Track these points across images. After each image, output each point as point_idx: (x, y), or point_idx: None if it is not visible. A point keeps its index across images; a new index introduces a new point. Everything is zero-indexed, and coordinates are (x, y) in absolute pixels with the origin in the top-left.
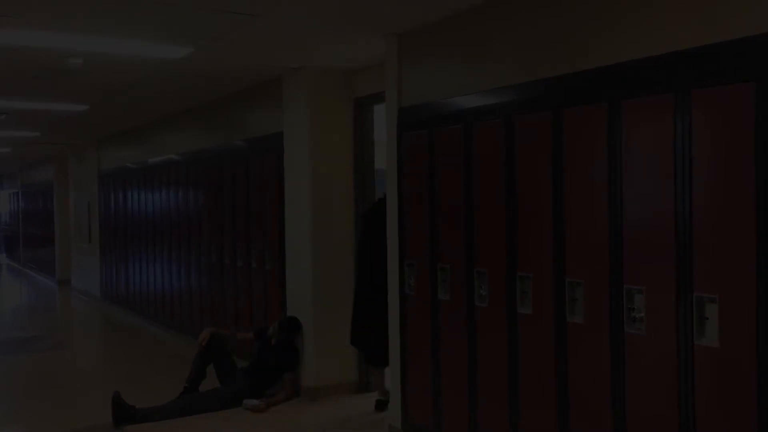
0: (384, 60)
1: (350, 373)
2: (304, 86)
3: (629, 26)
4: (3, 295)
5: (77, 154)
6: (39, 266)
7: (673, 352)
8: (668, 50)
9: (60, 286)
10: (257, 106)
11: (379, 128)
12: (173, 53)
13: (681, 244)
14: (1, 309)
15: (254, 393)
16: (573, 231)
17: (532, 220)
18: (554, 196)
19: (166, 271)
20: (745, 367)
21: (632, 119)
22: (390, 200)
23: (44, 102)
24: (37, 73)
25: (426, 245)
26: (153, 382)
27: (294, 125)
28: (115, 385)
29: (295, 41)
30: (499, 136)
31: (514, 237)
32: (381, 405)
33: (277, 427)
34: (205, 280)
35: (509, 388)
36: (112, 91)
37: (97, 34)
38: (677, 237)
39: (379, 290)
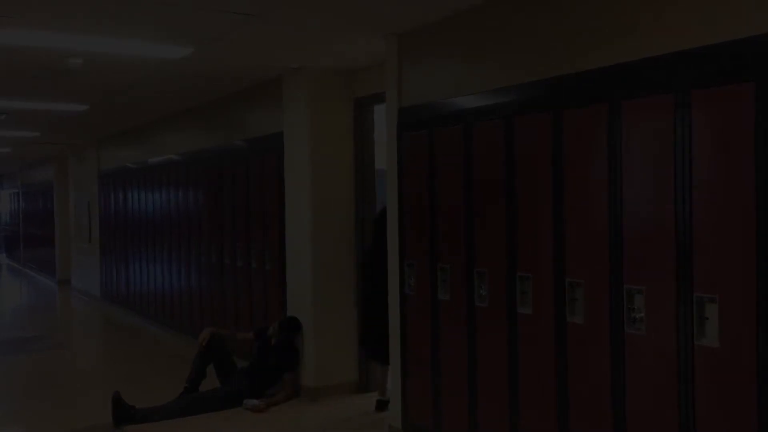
0: (384, 60)
1: (350, 373)
2: (304, 86)
3: (629, 27)
4: (3, 295)
5: (77, 154)
6: (39, 266)
7: (673, 353)
8: (668, 50)
9: (60, 286)
10: (257, 106)
11: (380, 128)
12: (173, 53)
13: (681, 244)
14: (2, 309)
15: (254, 393)
16: (573, 231)
17: (532, 220)
18: (554, 196)
19: (166, 271)
20: (746, 367)
21: (632, 119)
22: (390, 200)
23: (44, 102)
24: (37, 73)
25: (426, 245)
26: (153, 382)
27: (294, 125)
28: (115, 385)
29: (295, 41)
30: (499, 137)
31: (514, 237)
32: (381, 405)
33: (277, 427)
34: (205, 280)
35: (509, 389)
36: (112, 91)
37: (97, 34)
38: (677, 237)
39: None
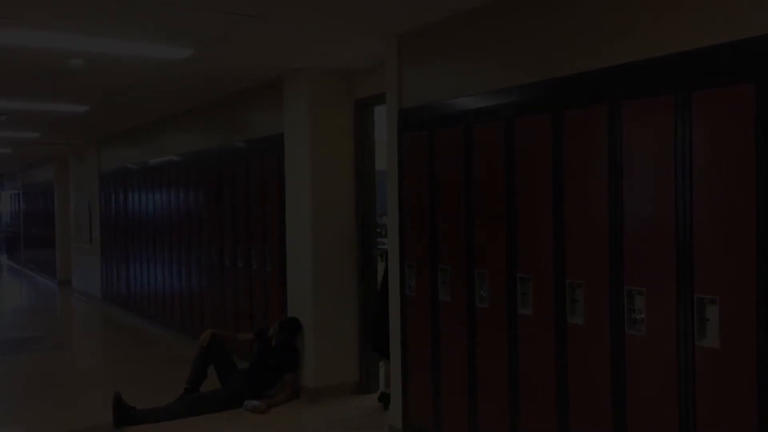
0: (384, 61)
1: (350, 374)
2: (305, 87)
3: (629, 27)
4: (4, 296)
5: (78, 154)
6: (39, 267)
7: (673, 354)
8: (669, 51)
9: (60, 287)
10: (258, 106)
11: (380, 129)
12: (174, 54)
13: (681, 245)
14: (2, 309)
15: (255, 394)
16: (573, 232)
17: (533, 221)
18: (554, 197)
19: (166, 272)
20: (746, 368)
21: (633, 120)
22: (390, 201)
23: (45, 102)
24: (37, 74)
25: (426, 246)
26: (153, 382)
27: (294, 126)
28: (116, 385)
29: (296, 42)
30: (499, 138)
31: (514, 238)
32: (384, 398)
33: (278, 428)
34: (205, 281)
35: (509, 389)
36: (112, 91)
37: (98, 35)
38: (678, 238)
39: None
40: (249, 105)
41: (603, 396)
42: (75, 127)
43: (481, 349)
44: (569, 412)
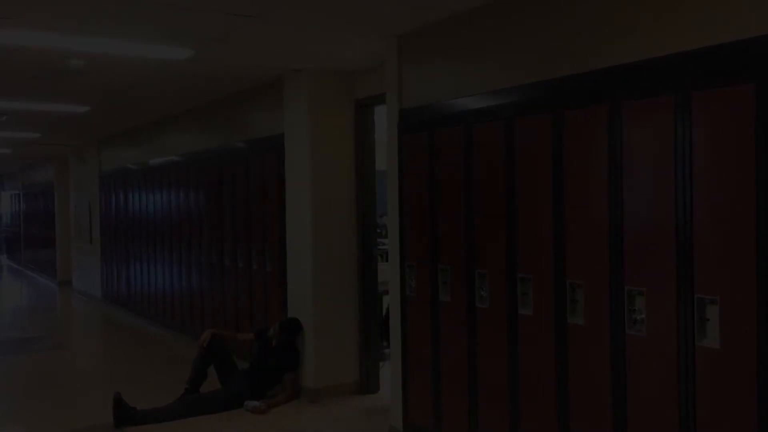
0: (384, 61)
1: (351, 374)
2: (305, 87)
3: (629, 27)
4: (4, 296)
5: (78, 154)
6: (40, 267)
7: (673, 354)
8: (669, 51)
9: (61, 287)
10: (258, 107)
11: (380, 129)
12: (174, 54)
13: (682, 245)
14: (2, 309)
15: (255, 394)
16: (573, 232)
17: (533, 222)
18: (555, 197)
19: (166, 272)
20: (746, 369)
21: (633, 120)
22: (391, 201)
23: (45, 103)
24: (37, 74)
25: (427, 246)
26: (153, 382)
27: (295, 126)
28: (116, 385)
29: (296, 42)
30: (499, 138)
31: (514, 238)
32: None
33: (278, 428)
34: (205, 281)
35: (510, 390)
36: (112, 91)
37: (98, 35)
38: (678, 238)
39: None
40: (249, 105)
41: (603, 396)
42: (75, 128)
43: (482, 349)
44: (569, 412)
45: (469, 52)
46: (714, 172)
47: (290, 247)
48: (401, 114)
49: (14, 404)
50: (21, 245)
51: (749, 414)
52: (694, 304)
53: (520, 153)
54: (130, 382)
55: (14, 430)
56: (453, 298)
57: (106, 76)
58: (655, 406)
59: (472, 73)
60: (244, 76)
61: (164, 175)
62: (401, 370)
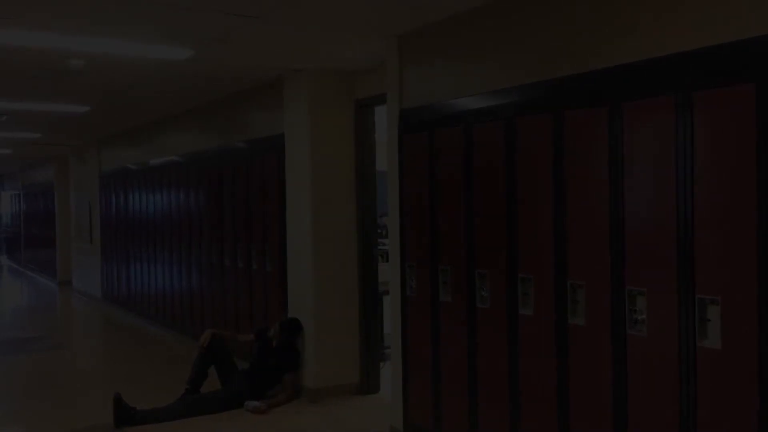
0: (385, 61)
1: (351, 375)
2: (305, 87)
3: (630, 27)
4: (4, 296)
5: (78, 155)
6: (40, 267)
7: (674, 354)
8: (669, 52)
9: (61, 287)
10: (258, 107)
11: (380, 129)
12: (174, 54)
13: (683, 245)
14: (2, 309)
15: (255, 394)
16: (574, 232)
17: (533, 222)
18: (555, 197)
19: (166, 272)
20: (747, 369)
21: (633, 121)
22: (391, 201)
23: (45, 103)
24: (37, 74)
25: (427, 246)
26: (153, 382)
27: (295, 126)
28: (116, 385)
29: (296, 42)
30: (499, 138)
31: (515, 238)
32: None
33: (278, 428)
34: (205, 281)
35: (510, 390)
36: (112, 91)
37: (98, 35)
38: (679, 238)
39: None
40: (249, 105)
41: (604, 396)
42: (75, 128)
43: (482, 349)
44: (570, 412)
45: (469, 52)
46: (714, 172)
47: (290, 247)
48: (401, 114)
49: (14, 404)
50: (21, 245)
51: (750, 414)
52: (695, 304)
53: (521, 153)
54: (130, 382)
55: (14, 430)
56: (453, 298)
57: (106, 76)
58: (656, 406)
59: (472, 73)
60: (244, 76)
61: (164, 175)
62: (401, 371)
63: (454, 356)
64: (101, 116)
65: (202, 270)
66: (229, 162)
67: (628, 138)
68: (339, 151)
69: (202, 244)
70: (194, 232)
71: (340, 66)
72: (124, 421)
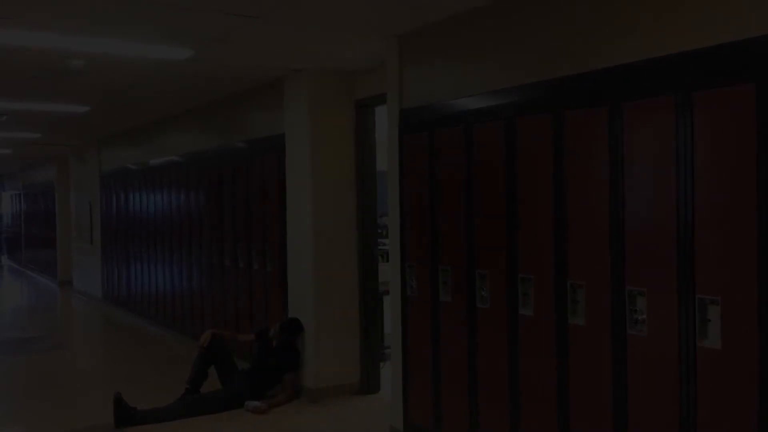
0: (385, 61)
1: (351, 375)
2: (305, 87)
3: (630, 27)
4: (4, 296)
5: (78, 155)
6: (40, 267)
7: (675, 354)
8: (669, 52)
9: (61, 287)
10: (258, 107)
11: (381, 129)
12: (174, 54)
13: (683, 245)
14: (3, 309)
15: (255, 394)
16: (574, 232)
17: (533, 222)
18: (555, 197)
19: (167, 273)
20: (748, 369)
21: (633, 121)
22: (391, 201)
23: (45, 103)
24: (37, 74)
25: (427, 246)
26: (153, 382)
27: (295, 126)
28: (116, 385)
29: (296, 43)
30: (500, 138)
31: (515, 239)
32: None
33: (278, 428)
34: (206, 282)
35: (510, 390)
36: (112, 91)
37: (98, 35)
38: (679, 238)
39: None
40: (249, 105)
41: (604, 396)
42: (75, 128)
43: (482, 349)
44: (570, 412)
45: (469, 52)
46: (714, 173)
47: (291, 248)
48: (401, 114)
49: (14, 404)
50: (21, 245)
51: (750, 415)
52: (695, 304)
53: (521, 153)
54: (131, 382)
55: (14, 430)
56: (453, 298)
57: (106, 76)
58: (656, 406)
59: (472, 73)
60: (244, 76)
61: (164, 175)
62: (402, 370)
63: (454, 356)
64: (101, 116)
65: (203, 270)
66: (230, 162)
67: (628, 138)
68: (339, 151)
69: (202, 244)
70: (194, 232)
71: (340, 66)
72: (125, 421)
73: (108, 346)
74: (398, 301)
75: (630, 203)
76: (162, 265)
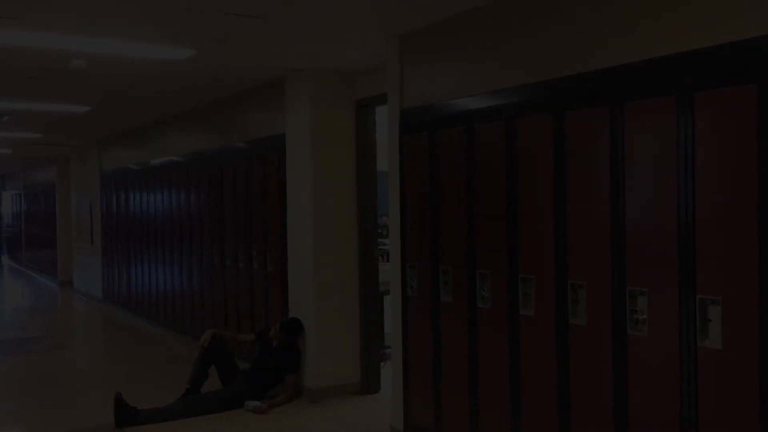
0: (385, 62)
1: (352, 375)
2: (306, 88)
3: (630, 27)
4: (5, 296)
5: (79, 155)
6: (41, 267)
7: (675, 354)
8: (670, 52)
9: (62, 287)
10: (259, 107)
11: (381, 129)
12: (174, 54)
13: (684, 245)
14: (3, 309)
15: (255, 394)
16: (575, 232)
17: (534, 222)
18: (556, 197)
19: (167, 273)
20: (748, 370)
21: (634, 121)
22: (392, 201)
23: (45, 103)
24: (38, 74)
25: (428, 247)
26: (154, 382)
27: (295, 126)
28: (116, 385)
29: (296, 43)
30: (500, 138)
31: (515, 239)
32: None
33: (279, 428)
34: (206, 282)
35: (510, 390)
36: (113, 92)
37: (98, 35)
38: (680, 238)
39: None
40: (250, 105)
41: (604, 397)
42: (76, 128)
43: (483, 349)
44: (570, 412)
45: (469, 52)
46: (715, 173)
47: (291, 248)
48: (402, 114)
49: (14, 404)
50: (22, 245)
51: (751, 415)
52: (695, 304)
53: (521, 153)
54: (131, 382)
55: (14, 430)
56: (454, 298)
57: (107, 76)
58: (657, 406)
59: (472, 73)
60: (245, 77)
61: (165, 175)
62: (402, 371)
63: (454, 356)
64: (102, 116)
65: (203, 270)
66: (230, 162)
67: (628, 138)
68: (340, 151)
69: (202, 244)
70: (195, 232)
71: (340, 66)
72: (125, 421)
73: (108, 346)
74: (398, 301)
75: (631, 203)
76: (162, 265)
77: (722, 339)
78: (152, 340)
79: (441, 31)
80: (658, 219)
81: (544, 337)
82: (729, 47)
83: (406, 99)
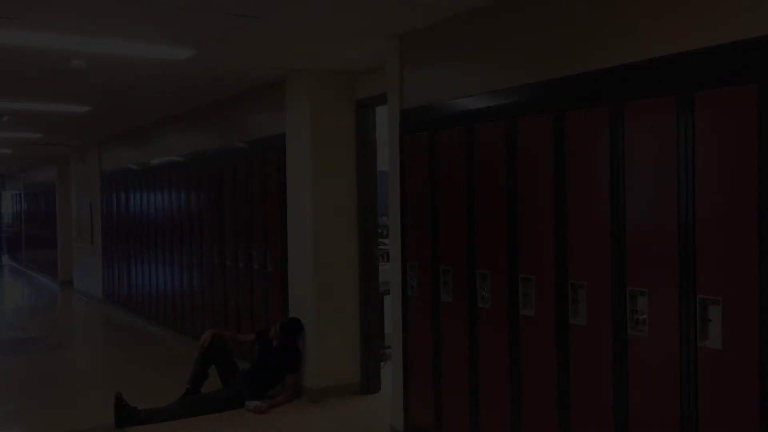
0: (386, 62)
1: (352, 375)
2: (306, 88)
3: (630, 27)
4: (5, 296)
5: (79, 155)
6: (41, 267)
7: (675, 355)
8: (670, 52)
9: (62, 287)
10: (259, 107)
11: (381, 129)
12: (174, 54)
13: (684, 245)
14: (3, 309)
15: (255, 394)
16: (575, 233)
17: (534, 222)
18: (556, 197)
19: (167, 273)
20: (748, 370)
21: (634, 121)
22: (392, 201)
23: (46, 103)
24: (38, 74)
25: (428, 246)
26: (154, 382)
27: (296, 126)
28: (116, 385)
29: (297, 43)
30: (500, 138)
31: (516, 238)
32: None
33: (279, 428)
34: (206, 282)
35: (511, 390)
36: (113, 92)
37: (98, 35)
38: (680, 238)
39: None
40: (250, 105)
41: (604, 397)
42: (76, 128)
43: (483, 349)
44: (570, 412)
45: (469, 52)
46: (716, 173)
47: (291, 248)
48: (402, 114)
49: (14, 404)
50: (22, 245)
51: (752, 415)
52: (696, 304)
53: (522, 153)
54: (131, 382)
55: (14, 430)
56: (454, 298)
57: (107, 76)
58: (657, 406)
59: (472, 73)
60: (245, 77)
61: (165, 175)
62: (402, 370)
63: (454, 356)
64: (102, 116)
65: (203, 270)
66: (230, 162)
67: (628, 138)
68: (340, 151)
69: (203, 244)
70: (195, 232)
71: (340, 66)
72: (126, 421)
73: (108, 346)
74: (399, 301)
75: (631, 203)
76: (163, 265)
77: (722, 339)
78: (152, 340)
79: (441, 31)
80: (658, 219)
81: (544, 337)
82: (729, 47)
83: (406, 99)
